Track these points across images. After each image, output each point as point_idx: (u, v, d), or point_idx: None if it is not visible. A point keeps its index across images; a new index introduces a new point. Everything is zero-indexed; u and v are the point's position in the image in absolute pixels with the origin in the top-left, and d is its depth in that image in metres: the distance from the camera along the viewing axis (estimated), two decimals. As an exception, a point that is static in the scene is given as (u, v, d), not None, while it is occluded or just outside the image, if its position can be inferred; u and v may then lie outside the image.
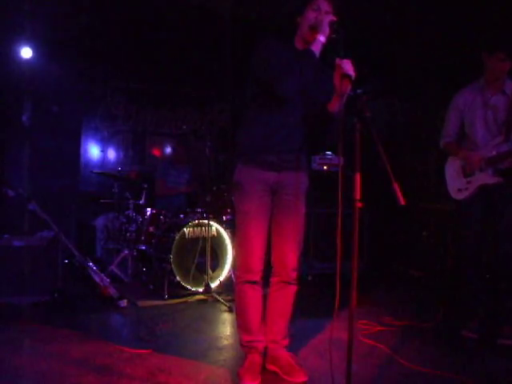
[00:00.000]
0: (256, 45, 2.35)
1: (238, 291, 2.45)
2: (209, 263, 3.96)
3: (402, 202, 1.70)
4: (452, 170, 3.29)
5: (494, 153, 3.04)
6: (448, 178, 3.31)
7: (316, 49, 2.21)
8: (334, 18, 2.20)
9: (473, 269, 3.18)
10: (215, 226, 4.22)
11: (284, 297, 2.48)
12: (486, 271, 3.22)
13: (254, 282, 2.40)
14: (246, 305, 2.43)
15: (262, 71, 2.30)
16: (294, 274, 2.45)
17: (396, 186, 1.72)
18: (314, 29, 2.25)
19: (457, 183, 3.23)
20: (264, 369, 2.43)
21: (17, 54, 5.05)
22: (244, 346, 2.47)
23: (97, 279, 3.71)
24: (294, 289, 2.48)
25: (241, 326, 2.48)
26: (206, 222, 4.06)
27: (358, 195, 1.81)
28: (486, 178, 3.08)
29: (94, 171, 5.21)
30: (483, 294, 3.15)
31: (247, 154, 2.41)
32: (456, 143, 3.28)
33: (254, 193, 2.37)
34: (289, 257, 2.44)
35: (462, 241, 3.34)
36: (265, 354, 2.48)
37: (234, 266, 4.29)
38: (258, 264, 2.39)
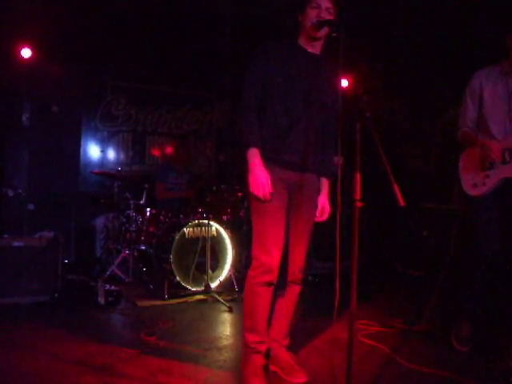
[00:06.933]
0: (259, 48, 2.35)
1: (252, 292, 2.36)
2: (209, 263, 3.96)
3: (402, 203, 1.70)
4: (467, 161, 2.91)
5: None
6: (462, 170, 2.94)
7: None
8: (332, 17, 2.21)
9: (485, 283, 2.80)
10: (215, 225, 4.22)
11: (288, 296, 2.49)
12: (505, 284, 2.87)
13: (271, 284, 2.33)
14: (257, 306, 2.36)
15: (265, 76, 2.31)
16: (300, 275, 2.46)
17: (396, 187, 1.71)
18: (317, 26, 2.25)
19: (472, 177, 2.85)
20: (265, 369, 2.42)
21: (17, 54, 5.04)
22: (249, 347, 2.40)
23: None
24: (298, 289, 2.48)
25: (248, 326, 2.41)
26: (205, 221, 4.06)
27: (357, 195, 1.81)
28: (509, 171, 2.71)
29: (93, 171, 5.20)
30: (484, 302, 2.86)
31: (265, 154, 2.34)
32: (474, 132, 2.92)
33: (274, 192, 2.31)
34: (298, 258, 2.44)
35: (475, 245, 2.87)
36: (266, 354, 2.47)
37: (234, 266, 4.33)
38: (276, 265, 2.33)
